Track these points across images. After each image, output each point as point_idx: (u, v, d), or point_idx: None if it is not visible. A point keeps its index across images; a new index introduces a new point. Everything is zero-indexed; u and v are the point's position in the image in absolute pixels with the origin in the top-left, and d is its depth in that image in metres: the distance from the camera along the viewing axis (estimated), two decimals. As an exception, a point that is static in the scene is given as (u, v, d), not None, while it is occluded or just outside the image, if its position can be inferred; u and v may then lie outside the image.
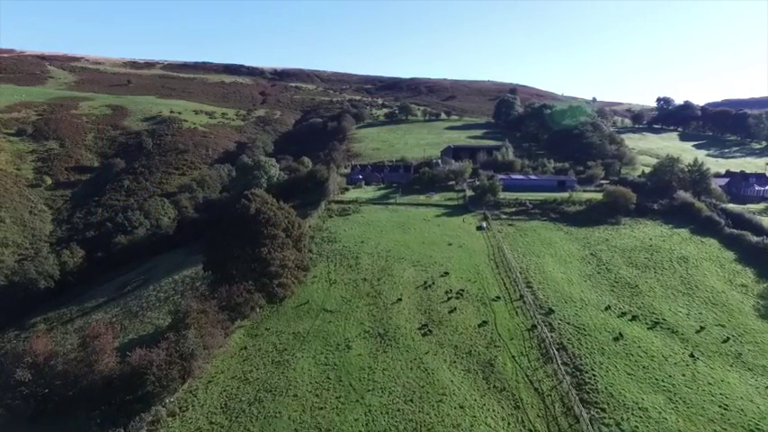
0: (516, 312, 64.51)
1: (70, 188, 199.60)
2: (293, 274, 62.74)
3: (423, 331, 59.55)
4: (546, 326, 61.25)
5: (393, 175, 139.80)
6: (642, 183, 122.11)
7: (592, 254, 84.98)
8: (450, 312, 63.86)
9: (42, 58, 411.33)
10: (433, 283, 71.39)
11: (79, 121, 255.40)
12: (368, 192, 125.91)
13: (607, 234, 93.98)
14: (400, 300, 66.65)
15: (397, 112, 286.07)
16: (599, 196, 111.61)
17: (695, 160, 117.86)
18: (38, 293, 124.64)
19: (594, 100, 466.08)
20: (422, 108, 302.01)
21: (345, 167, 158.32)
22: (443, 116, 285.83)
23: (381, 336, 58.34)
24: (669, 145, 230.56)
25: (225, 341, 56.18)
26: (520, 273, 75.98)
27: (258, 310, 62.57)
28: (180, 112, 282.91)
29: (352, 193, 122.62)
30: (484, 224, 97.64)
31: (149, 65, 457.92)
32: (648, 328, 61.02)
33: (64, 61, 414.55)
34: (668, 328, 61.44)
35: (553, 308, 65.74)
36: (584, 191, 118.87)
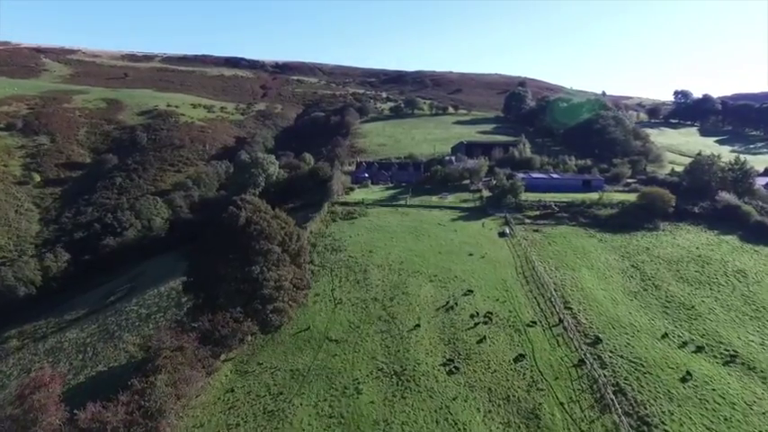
0: (557, 342, 54.04)
1: (60, 186, 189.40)
2: (291, 295, 52.48)
3: (448, 368, 49.13)
4: (595, 360, 50.80)
5: (401, 173, 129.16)
6: (676, 182, 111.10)
7: (633, 266, 74.38)
8: (478, 342, 53.42)
9: (38, 50, 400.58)
10: (456, 304, 60.93)
11: (72, 114, 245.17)
12: (375, 192, 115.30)
13: (646, 242, 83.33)
14: (418, 326, 56.23)
15: (402, 105, 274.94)
16: (631, 197, 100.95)
17: (737, 157, 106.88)
18: (17, 302, 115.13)
19: (604, 94, 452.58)
20: (428, 102, 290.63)
21: (350, 165, 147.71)
22: (451, 110, 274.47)
23: (398, 375, 47.96)
24: (689, 140, 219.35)
25: (207, 381, 45.96)
26: (555, 290, 65.45)
27: (250, 337, 52.38)
28: (177, 106, 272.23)
29: (358, 194, 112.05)
30: (506, 230, 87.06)
31: (148, 58, 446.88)
32: (722, 364, 50.41)
33: (60, 54, 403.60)
34: (743, 364, 50.88)
35: (600, 335, 55.27)
36: (615, 191, 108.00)
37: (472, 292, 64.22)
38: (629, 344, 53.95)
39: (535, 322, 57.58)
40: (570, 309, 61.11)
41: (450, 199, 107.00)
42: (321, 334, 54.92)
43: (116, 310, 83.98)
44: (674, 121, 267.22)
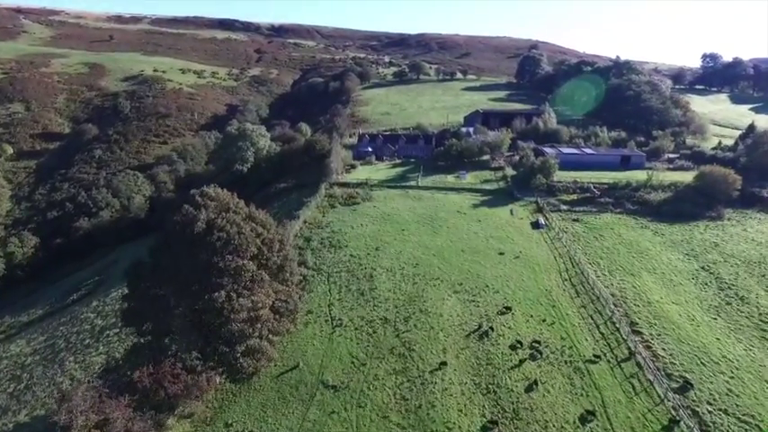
0: (633, 388, 39.87)
1: (35, 159, 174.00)
2: (271, 327, 38.17)
3: (490, 435, 35.17)
4: (691, 418, 36.77)
5: (410, 147, 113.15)
6: (729, 159, 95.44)
7: (704, 268, 59.81)
8: (527, 390, 39.28)
9: (18, 11, 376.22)
10: (491, 329, 46.55)
11: (50, 80, 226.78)
12: (380, 170, 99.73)
13: (712, 235, 68.51)
14: (444, 363, 41.99)
15: (407, 70, 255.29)
16: (682, 177, 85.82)
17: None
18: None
19: (618, 59, 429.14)
20: (434, 66, 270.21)
21: (351, 136, 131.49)
22: (459, 75, 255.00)
23: (421, 448, 34.02)
24: (721, 108, 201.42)
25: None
26: (615, 305, 51.06)
27: (218, 380, 38.29)
28: (165, 71, 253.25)
29: (361, 172, 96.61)
30: (540, 219, 72.07)
31: (135, 19, 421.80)
32: None
33: (41, 15, 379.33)
34: None
35: (688, 376, 41.12)
36: (667, 170, 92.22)
37: (510, 309, 49.75)
38: (730, 391, 39.83)
39: (599, 357, 43.28)
40: (640, 333, 46.79)
41: (469, 179, 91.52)
42: (314, 376, 40.77)
43: (72, 316, 70.39)
44: (699, 87, 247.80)
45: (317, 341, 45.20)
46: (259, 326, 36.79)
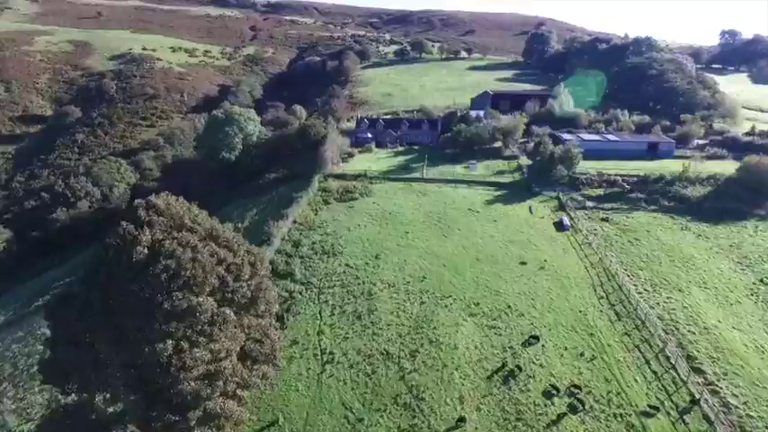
0: (706, 455, 31.14)
1: (14, 143, 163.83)
2: (240, 380, 29.15)
3: None
4: (786, 501, 28.09)
5: (413, 132, 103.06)
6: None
7: (762, 281, 50.80)
8: (571, 461, 30.54)
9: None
10: (518, 368, 37.64)
11: (32, 59, 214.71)
12: (380, 159, 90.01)
13: (765, 239, 59.30)
14: (462, 420, 33.18)
15: (408, 49, 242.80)
16: (722, 168, 76.18)
17: None
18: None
19: (627, 36, 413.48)
20: (437, 45, 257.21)
21: (349, 120, 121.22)
22: (463, 54, 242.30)
23: None
24: (743, 89, 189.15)
25: None
26: (665, 331, 42.07)
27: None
28: (154, 50, 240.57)
29: (359, 162, 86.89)
30: (565, 220, 62.68)
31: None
32: None
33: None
34: None
35: (770, 435, 32.43)
36: (706, 158, 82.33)
37: (538, 338, 40.80)
38: (829, 458, 31.12)
39: (656, 407, 34.43)
40: (702, 372, 37.88)
41: (480, 170, 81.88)
42: (297, 437, 32.06)
43: (28, 331, 61.60)
44: (716, 66, 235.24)
45: (303, 385, 36.36)
46: (221, 383, 27.92)
